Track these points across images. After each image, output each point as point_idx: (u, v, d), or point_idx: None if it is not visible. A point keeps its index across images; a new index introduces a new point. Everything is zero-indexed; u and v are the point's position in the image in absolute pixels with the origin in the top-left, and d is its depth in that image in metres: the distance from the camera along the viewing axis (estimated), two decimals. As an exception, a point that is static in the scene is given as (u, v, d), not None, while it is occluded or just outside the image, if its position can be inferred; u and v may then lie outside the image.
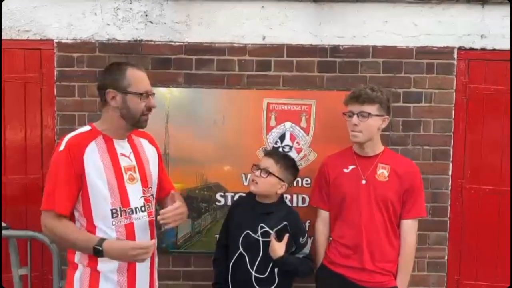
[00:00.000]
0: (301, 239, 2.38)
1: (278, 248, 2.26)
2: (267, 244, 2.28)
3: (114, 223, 1.87)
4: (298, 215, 2.44)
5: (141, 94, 1.89)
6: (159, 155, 2.15)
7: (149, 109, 1.93)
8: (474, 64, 2.88)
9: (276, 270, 2.31)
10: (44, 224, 1.86)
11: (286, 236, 2.29)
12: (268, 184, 2.34)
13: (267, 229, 2.31)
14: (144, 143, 2.07)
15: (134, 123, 1.93)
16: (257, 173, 2.34)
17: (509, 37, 2.85)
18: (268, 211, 2.35)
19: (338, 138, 2.61)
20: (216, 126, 2.79)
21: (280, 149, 2.78)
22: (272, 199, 2.39)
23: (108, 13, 2.80)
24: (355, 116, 2.29)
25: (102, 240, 1.79)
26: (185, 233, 2.81)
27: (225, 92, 2.81)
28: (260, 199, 2.40)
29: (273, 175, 2.33)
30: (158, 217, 1.88)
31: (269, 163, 2.36)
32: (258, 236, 2.31)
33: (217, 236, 2.56)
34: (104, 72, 1.96)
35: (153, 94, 1.97)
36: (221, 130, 2.79)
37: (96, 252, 1.78)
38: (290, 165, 2.42)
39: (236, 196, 2.78)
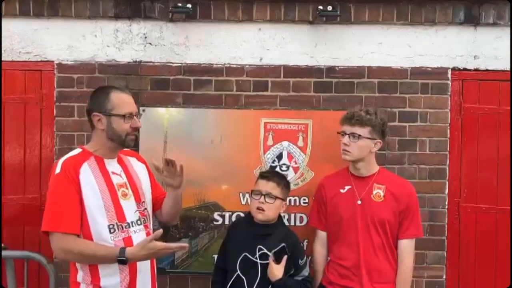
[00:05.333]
0: (300, 261, 2.33)
1: (277, 271, 2.23)
2: (265, 267, 2.26)
3: (112, 238, 1.90)
4: (296, 236, 2.41)
5: (123, 115, 1.96)
6: (149, 170, 2.21)
7: (134, 129, 2.00)
8: (467, 84, 2.92)
9: (274, 293, 2.27)
10: (58, 247, 1.87)
11: (285, 258, 2.26)
12: (276, 209, 2.32)
13: (265, 251, 2.28)
14: (132, 161, 2.14)
15: (121, 143, 2.00)
16: (262, 199, 2.30)
17: (502, 57, 2.90)
18: (267, 233, 2.31)
19: (334, 157, 2.62)
20: (214, 145, 2.81)
21: (278, 168, 2.79)
22: (272, 220, 2.36)
23: (108, 35, 2.85)
24: (346, 136, 2.32)
25: (123, 250, 1.84)
26: (182, 253, 2.80)
27: (223, 112, 2.84)
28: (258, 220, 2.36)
29: (278, 198, 2.32)
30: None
31: (271, 187, 2.32)
32: (256, 258, 2.28)
33: (215, 256, 2.54)
34: (91, 96, 2.04)
35: (138, 114, 2.05)
36: (218, 149, 2.81)
37: (121, 262, 1.85)
38: (287, 183, 2.43)
39: (234, 215, 2.78)
